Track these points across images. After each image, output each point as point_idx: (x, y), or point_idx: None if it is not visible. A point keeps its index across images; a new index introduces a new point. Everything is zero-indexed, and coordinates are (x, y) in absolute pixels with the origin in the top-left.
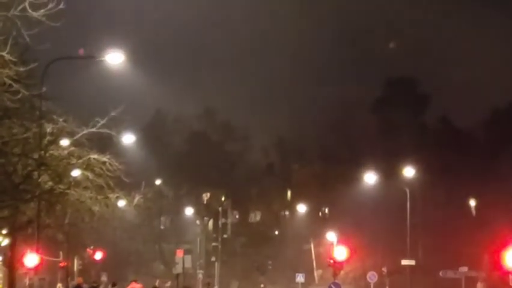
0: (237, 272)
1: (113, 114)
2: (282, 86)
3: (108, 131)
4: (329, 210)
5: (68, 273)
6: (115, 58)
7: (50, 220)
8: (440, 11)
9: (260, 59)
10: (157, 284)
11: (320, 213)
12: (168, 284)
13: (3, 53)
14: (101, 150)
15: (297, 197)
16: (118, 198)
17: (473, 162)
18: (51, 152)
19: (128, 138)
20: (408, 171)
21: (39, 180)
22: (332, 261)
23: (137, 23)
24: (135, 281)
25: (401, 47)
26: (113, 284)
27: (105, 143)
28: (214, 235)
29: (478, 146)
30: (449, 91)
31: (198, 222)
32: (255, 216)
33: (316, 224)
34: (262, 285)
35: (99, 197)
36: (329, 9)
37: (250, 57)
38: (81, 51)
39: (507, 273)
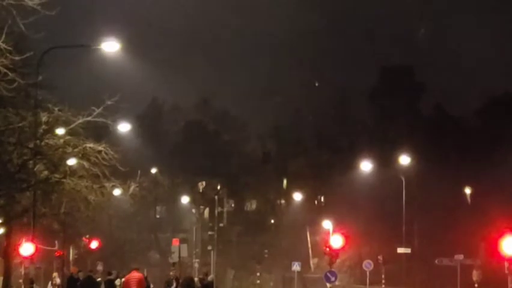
0: (233, 260)
1: (108, 102)
2: (278, 75)
3: (104, 120)
4: (325, 199)
5: (64, 262)
6: (110, 46)
7: (45, 209)
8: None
9: (256, 47)
10: (145, 273)
11: (316, 202)
12: (172, 272)
13: None
14: (97, 139)
15: (293, 186)
16: (113, 187)
17: (468, 150)
18: (46, 141)
19: (123, 127)
20: (404, 160)
21: (35, 169)
22: (327, 249)
23: (132, 11)
24: (136, 269)
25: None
26: (109, 273)
27: (101, 132)
28: (210, 224)
29: (473, 134)
30: (445, 79)
31: (193, 211)
32: (251, 205)
33: (312, 212)
34: (258, 274)
35: (95, 186)
36: None
37: (246, 45)
38: None
39: (503, 260)
